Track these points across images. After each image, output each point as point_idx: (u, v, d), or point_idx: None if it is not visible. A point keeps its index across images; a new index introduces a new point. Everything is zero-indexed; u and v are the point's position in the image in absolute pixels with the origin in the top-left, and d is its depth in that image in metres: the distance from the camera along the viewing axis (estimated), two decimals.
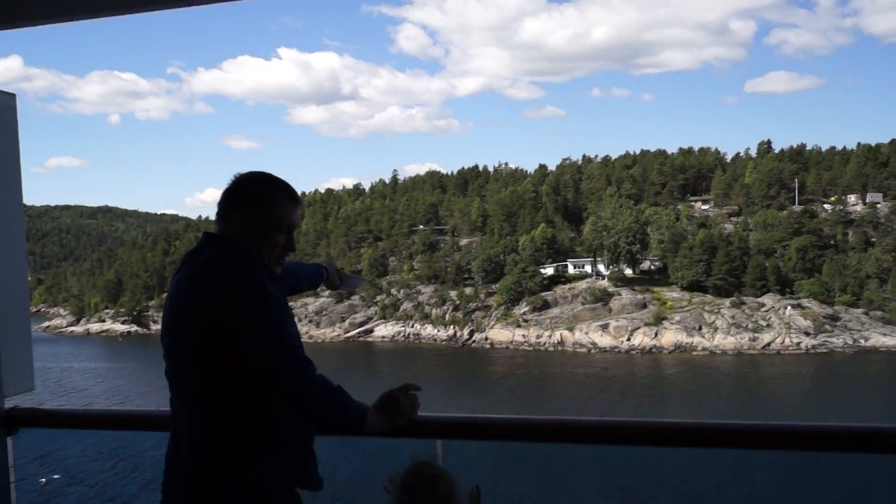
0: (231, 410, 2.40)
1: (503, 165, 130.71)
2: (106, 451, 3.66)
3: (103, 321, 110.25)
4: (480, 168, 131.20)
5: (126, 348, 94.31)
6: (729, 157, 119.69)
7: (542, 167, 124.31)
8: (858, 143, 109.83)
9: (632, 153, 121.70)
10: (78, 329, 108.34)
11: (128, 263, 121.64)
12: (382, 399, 2.62)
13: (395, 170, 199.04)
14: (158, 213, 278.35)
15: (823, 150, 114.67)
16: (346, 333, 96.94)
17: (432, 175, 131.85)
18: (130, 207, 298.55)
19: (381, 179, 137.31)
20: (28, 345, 3.42)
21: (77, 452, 3.69)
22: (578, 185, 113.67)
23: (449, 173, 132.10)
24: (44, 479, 3.53)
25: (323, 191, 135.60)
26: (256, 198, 2.55)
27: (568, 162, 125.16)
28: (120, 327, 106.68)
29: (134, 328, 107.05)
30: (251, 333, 2.33)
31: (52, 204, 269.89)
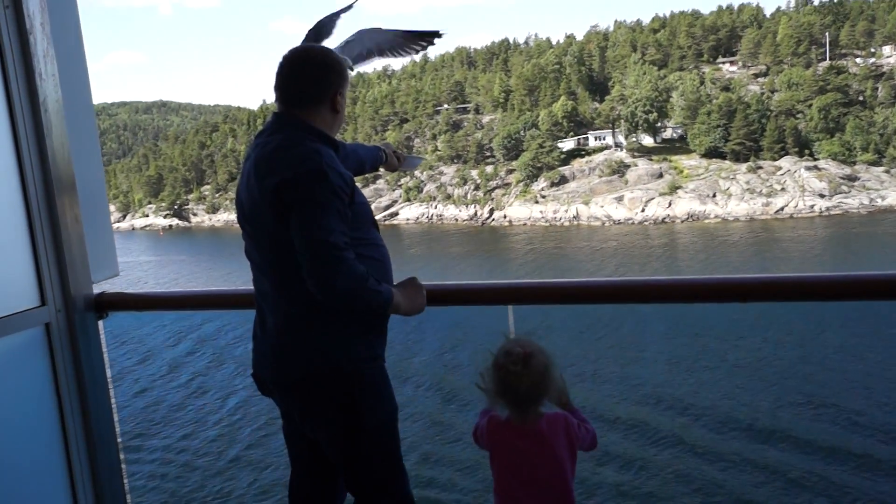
0: (303, 283, 2.42)
1: (532, 37, 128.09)
2: (185, 332, 4.00)
3: (147, 216, 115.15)
4: (511, 41, 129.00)
5: (167, 243, 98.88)
6: (769, 13, 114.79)
7: (570, 37, 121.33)
8: None
9: (661, 16, 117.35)
10: (124, 225, 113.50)
11: (169, 157, 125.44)
12: (405, 283, 2.68)
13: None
14: (212, 104, 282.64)
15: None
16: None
17: (461, 52, 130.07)
18: (184, 101, 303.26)
19: (411, 59, 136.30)
20: (109, 233, 3.56)
21: (162, 335, 4.07)
22: (604, 53, 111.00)
23: (479, 48, 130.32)
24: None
25: (370, 71, 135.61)
26: (333, 71, 2.60)
27: (595, 29, 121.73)
28: (162, 221, 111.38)
29: (175, 222, 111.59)
30: (298, 213, 2.41)
31: (109, 101, 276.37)
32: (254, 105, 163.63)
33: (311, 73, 2.58)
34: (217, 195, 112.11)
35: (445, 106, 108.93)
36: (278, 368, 2.58)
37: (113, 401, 3.37)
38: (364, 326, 2.56)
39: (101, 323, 3.33)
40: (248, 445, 4.31)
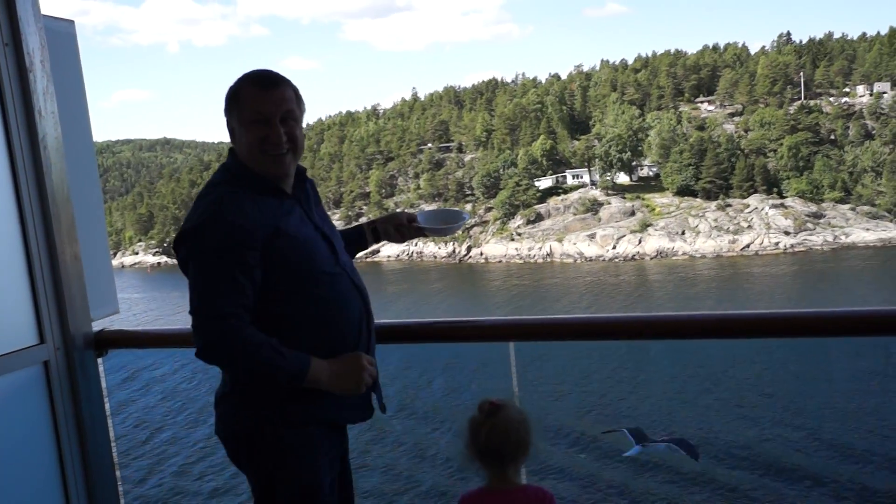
0: None
1: (520, 76, 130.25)
2: (183, 366, 3.82)
3: (136, 253, 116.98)
4: (500, 80, 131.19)
5: (155, 280, 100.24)
6: (754, 52, 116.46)
7: (554, 76, 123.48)
8: (889, 28, 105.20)
9: (644, 55, 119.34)
10: (114, 262, 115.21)
11: (163, 196, 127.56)
12: (342, 359, 2.40)
13: (413, 88, 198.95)
14: (216, 142, 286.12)
15: (855, 38, 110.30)
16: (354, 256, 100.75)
17: (448, 91, 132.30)
18: (188, 138, 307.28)
19: (402, 98, 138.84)
20: (109, 270, 3.50)
21: (161, 371, 3.92)
22: (586, 93, 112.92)
23: (466, 87, 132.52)
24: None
25: (370, 108, 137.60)
26: (228, 100, 2.41)
27: (580, 69, 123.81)
28: (151, 259, 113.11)
29: (164, 259, 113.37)
30: (188, 272, 2.31)
31: (114, 139, 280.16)
32: None
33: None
34: None
35: (429, 145, 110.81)
36: (218, 417, 2.51)
37: (113, 442, 3.35)
38: (283, 390, 2.35)
39: (100, 360, 3.32)
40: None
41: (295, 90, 2.45)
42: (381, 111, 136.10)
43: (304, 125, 2.49)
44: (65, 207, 3.14)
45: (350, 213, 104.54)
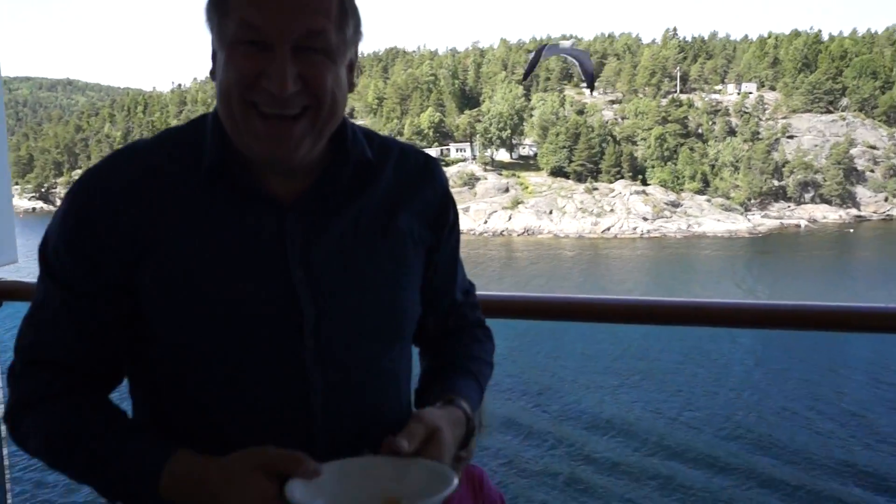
0: None
1: (422, 46, 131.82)
2: None
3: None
4: (400, 49, 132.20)
5: (25, 226, 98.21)
6: (647, 42, 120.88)
7: (452, 50, 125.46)
8: (769, 33, 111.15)
9: (538, 38, 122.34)
10: None
11: (47, 138, 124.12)
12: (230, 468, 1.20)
13: None
14: (122, 86, 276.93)
15: (738, 39, 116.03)
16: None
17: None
18: (93, 80, 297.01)
19: None
20: (10, 216, 3.10)
21: None
22: (479, 69, 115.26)
23: (367, 54, 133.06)
24: None
25: None
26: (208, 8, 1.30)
27: (476, 45, 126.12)
28: (25, 204, 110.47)
29: (40, 205, 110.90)
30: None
31: (13, 75, 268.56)
32: (166, 88, 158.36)
33: None
34: None
35: None
36: None
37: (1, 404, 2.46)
38: None
39: None
40: None
41: None
42: None
43: (352, 68, 1.37)
44: None
45: None
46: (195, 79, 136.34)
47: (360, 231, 1.41)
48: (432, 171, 1.54)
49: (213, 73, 1.32)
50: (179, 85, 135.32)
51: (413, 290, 1.47)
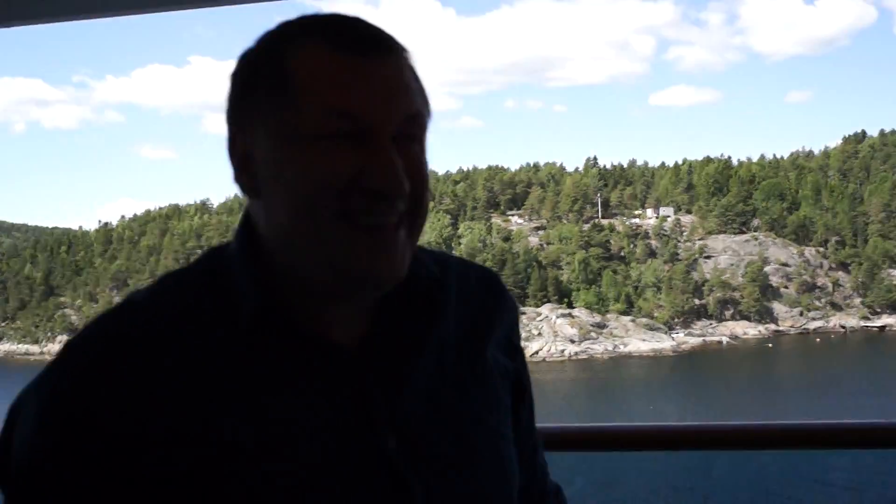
0: None
1: None
2: None
3: None
4: None
5: None
6: (571, 170, 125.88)
7: None
8: (684, 160, 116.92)
9: (465, 169, 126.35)
10: None
11: None
12: None
13: None
14: (51, 226, 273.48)
15: (656, 166, 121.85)
16: None
17: None
18: (20, 221, 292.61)
19: (234, 195, 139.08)
20: None
21: None
22: None
23: None
24: None
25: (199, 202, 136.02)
26: (252, 77, 1.00)
27: None
28: None
29: None
30: None
31: None
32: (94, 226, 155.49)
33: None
34: (2, 323, 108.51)
35: None
36: None
37: None
38: None
39: None
40: None
41: (413, 66, 1.03)
42: (213, 206, 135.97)
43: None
44: None
45: None
46: (122, 216, 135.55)
47: (447, 374, 1.08)
48: (502, 287, 1.25)
49: (245, 183, 1.00)
50: (106, 224, 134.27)
51: (511, 441, 1.13)
